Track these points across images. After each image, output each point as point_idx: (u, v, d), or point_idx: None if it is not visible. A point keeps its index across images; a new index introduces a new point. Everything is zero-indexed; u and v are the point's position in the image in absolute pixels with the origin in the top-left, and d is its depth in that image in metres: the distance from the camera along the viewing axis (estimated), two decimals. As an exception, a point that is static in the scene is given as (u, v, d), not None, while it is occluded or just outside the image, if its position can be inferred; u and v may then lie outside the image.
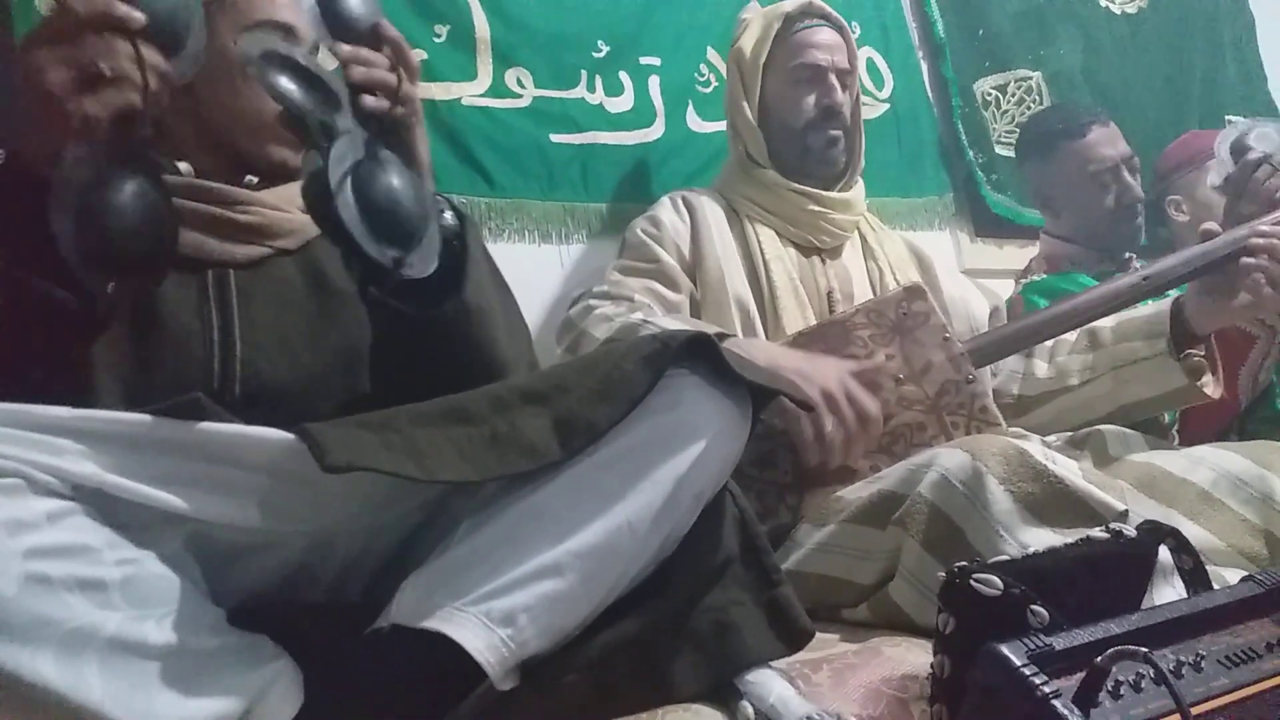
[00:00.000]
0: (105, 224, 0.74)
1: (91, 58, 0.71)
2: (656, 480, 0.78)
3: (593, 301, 1.36)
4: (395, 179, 0.83)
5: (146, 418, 0.72)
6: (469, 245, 0.89)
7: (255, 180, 0.98)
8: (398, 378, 0.89)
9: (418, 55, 1.53)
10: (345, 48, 0.83)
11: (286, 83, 0.82)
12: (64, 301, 0.76)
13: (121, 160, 0.75)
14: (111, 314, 0.79)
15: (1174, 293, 1.43)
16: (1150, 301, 1.44)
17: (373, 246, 0.81)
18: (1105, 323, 1.42)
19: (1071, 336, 1.45)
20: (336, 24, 0.85)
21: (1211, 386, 1.39)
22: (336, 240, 0.82)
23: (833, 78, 1.49)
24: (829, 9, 1.54)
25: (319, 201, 0.81)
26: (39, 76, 0.71)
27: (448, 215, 0.89)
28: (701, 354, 0.81)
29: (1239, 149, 1.54)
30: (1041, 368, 1.48)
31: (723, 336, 1.23)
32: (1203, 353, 1.40)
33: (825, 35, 1.51)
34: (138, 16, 0.73)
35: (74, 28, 0.72)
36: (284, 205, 0.96)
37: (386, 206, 0.81)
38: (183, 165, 0.94)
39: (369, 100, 0.83)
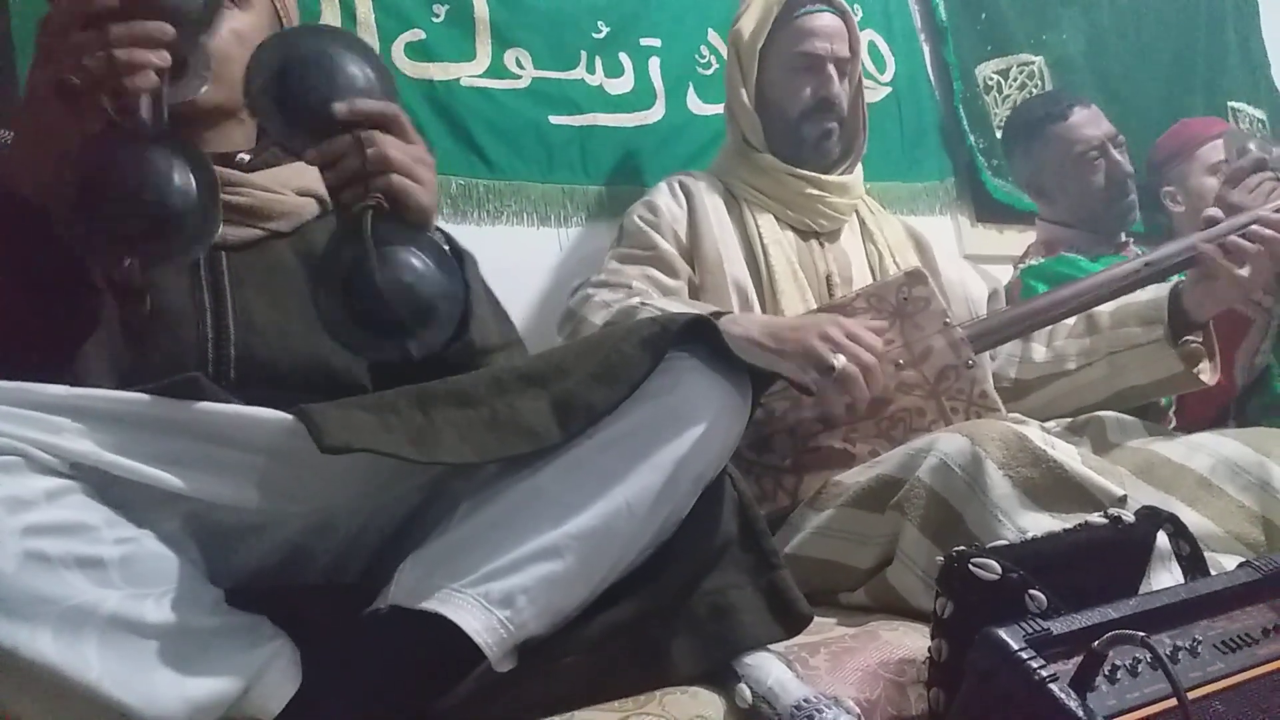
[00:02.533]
0: (108, 191, 0.73)
1: (68, 67, 0.70)
2: (656, 463, 0.78)
3: (590, 290, 1.36)
4: (399, 273, 0.79)
5: (145, 397, 0.72)
6: (469, 283, 0.88)
7: (247, 160, 0.97)
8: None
9: (415, 36, 1.54)
10: (310, 155, 0.80)
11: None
12: (55, 310, 0.76)
13: (123, 135, 0.74)
14: (131, 294, 0.77)
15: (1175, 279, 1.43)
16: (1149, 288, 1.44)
17: (375, 352, 0.80)
18: (1103, 308, 1.42)
19: (1070, 320, 1.45)
20: (297, 123, 0.80)
21: (1208, 373, 1.39)
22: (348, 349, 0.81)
23: (831, 68, 1.48)
24: (831, -8, 1.52)
25: (320, 311, 0.80)
26: (34, 106, 0.72)
27: (445, 250, 0.86)
28: (701, 337, 0.81)
29: (1241, 151, 1.55)
30: (1039, 351, 1.48)
31: (718, 314, 1.23)
32: (1200, 339, 1.40)
33: (826, 21, 1.49)
34: (105, 1, 0.71)
35: (53, 36, 0.72)
36: (277, 187, 0.95)
37: (385, 310, 0.78)
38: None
39: (345, 197, 0.80)
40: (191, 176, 0.76)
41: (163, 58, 0.74)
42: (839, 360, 1.16)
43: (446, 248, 0.87)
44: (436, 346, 0.82)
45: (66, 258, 0.76)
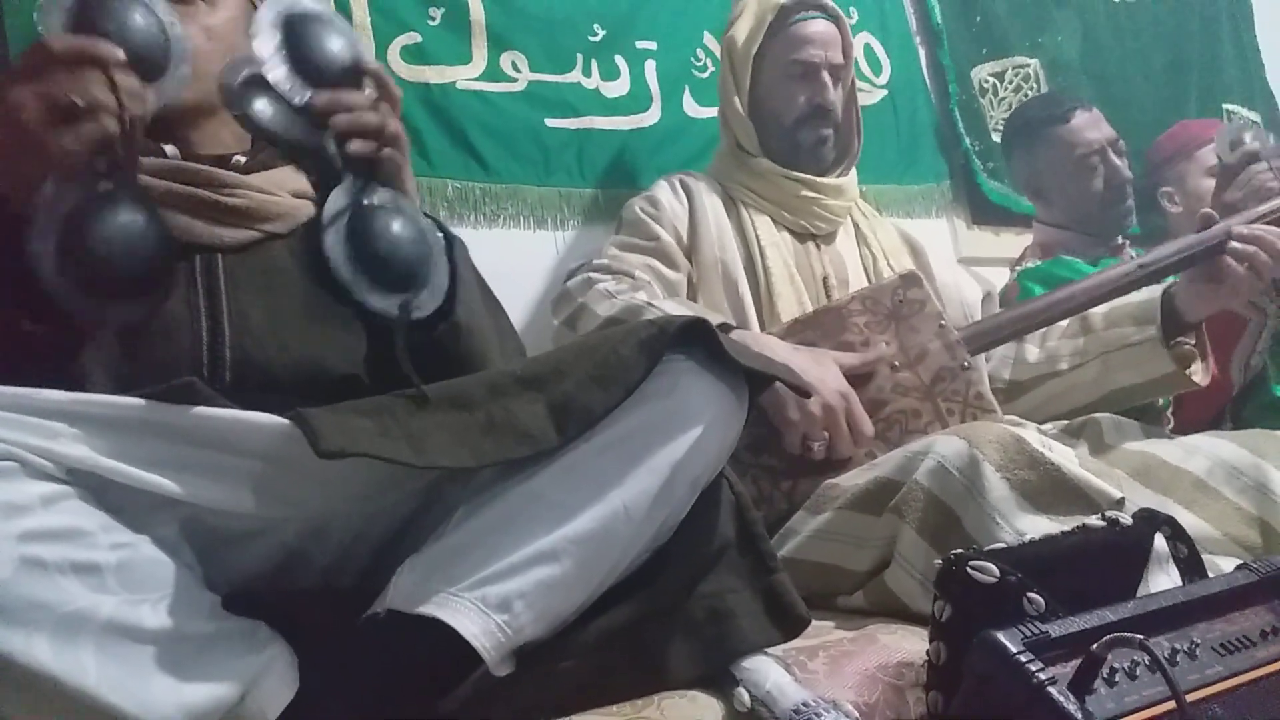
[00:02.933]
0: (90, 251, 0.74)
1: (65, 91, 0.72)
2: (653, 466, 0.78)
3: (594, 275, 1.35)
4: (394, 223, 0.82)
5: (141, 401, 0.72)
6: (457, 265, 0.89)
7: (242, 161, 0.97)
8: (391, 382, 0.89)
9: (411, 39, 1.54)
10: (323, 95, 0.82)
11: (267, 113, 0.82)
12: (37, 334, 0.76)
13: (103, 188, 0.75)
14: (105, 338, 0.78)
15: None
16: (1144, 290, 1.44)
17: (376, 299, 0.81)
18: (1097, 309, 1.43)
19: (1063, 321, 1.46)
20: (308, 69, 0.83)
21: (1200, 374, 1.39)
22: (340, 299, 0.82)
23: (825, 75, 1.48)
24: None
25: (315, 260, 0.81)
26: (15, 113, 0.72)
27: (437, 236, 0.89)
28: (698, 339, 0.81)
29: (1236, 144, 1.55)
30: (1033, 352, 1.48)
31: (727, 328, 1.23)
32: (1193, 341, 1.40)
33: (820, 28, 1.49)
34: (115, 52, 0.73)
35: (50, 64, 0.73)
36: (273, 188, 0.95)
37: (385, 254, 0.81)
38: (168, 148, 0.93)
39: (355, 145, 0.82)
40: (157, 230, 0.78)
41: (146, 117, 0.76)
42: (816, 447, 1.18)
43: (440, 234, 0.89)
44: (425, 308, 0.82)
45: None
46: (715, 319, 1.23)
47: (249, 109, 0.82)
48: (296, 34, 0.83)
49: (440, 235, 0.90)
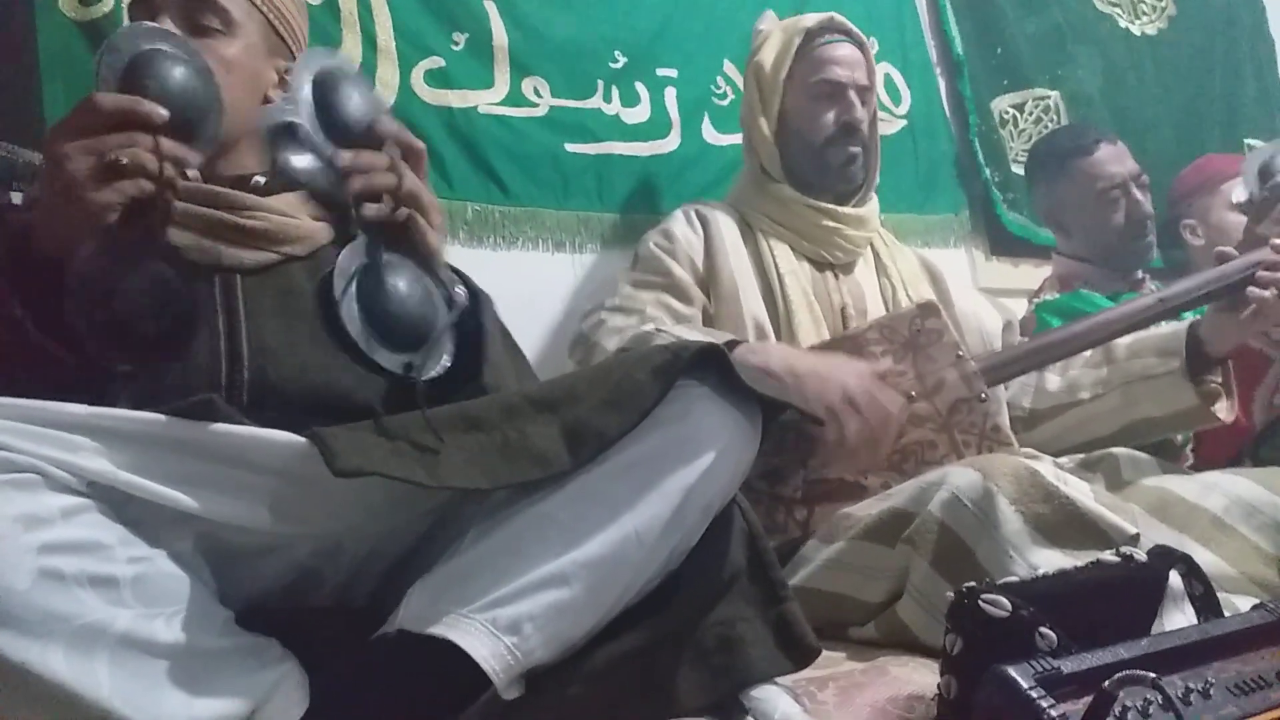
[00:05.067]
0: (119, 312, 0.76)
1: (111, 149, 0.74)
2: (665, 491, 0.78)
3: (604, 315, 1.36)
4: (401, 283, 0.84)
5: (161, 417, 0.73)
6: (485, 325, 0.90)
7: (262, 183, 0.98)
8: None
9: (435, 63, 1.56)
10: (345, 156, 0.83)
11: (297, 162, 0.85)
12: (69, 362, 0.78)
13: (137, 246, 0.78)
14: (129, 384, 0.80)
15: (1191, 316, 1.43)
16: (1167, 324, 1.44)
17: (384, 356, 0.83)
18: (1121, 340, 1.42)
19: (1085, 352, 1.45)
20: (334, 127, 0.85)
21: (1225, 411, 1.38)
22: (349, 353, 0.84)
23: (852, 94, 1.49)
24: (850, 25, 1.54)
25: (327, 312, 0.83)
26: (61, 166, 0.74)
27: (460, 291, 0.90)
28: (712, 365, 0.81)
29: (1266, 172, 1.53)
30: (1054, 381, 1.48)
31: (734, 344, 1.23)
32: (1219, 379, 1.39)
33: (846, 51, 1.51)
34: (161, 113, 0.76)
35: (99, 122, 0.75)
36: (292, 211, 0.96)
37: (392, 314, 0.83)
38: (190, 171, 0.95)
39: (369, 209, 0.83)
40: (183, 286, 0.81)
41: (188, 176, 0.80)
42: (850, 429, 1.16)
43: (463, 288, 0.90)
44: (428, 369, 0.83)
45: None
46: (723, 336, 1.24)
47: (280, 158, 0.84)
48: (324, 93, 0.86)
49: (465, 290, 0.91)
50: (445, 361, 0.86)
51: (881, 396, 1.18)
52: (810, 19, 1.53)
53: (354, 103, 0.85)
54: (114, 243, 0.76)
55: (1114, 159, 1.81)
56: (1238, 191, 1.78)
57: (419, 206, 0.85)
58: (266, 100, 1.02)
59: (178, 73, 0.79)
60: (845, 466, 1.20)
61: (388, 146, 0.85)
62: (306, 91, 0.85)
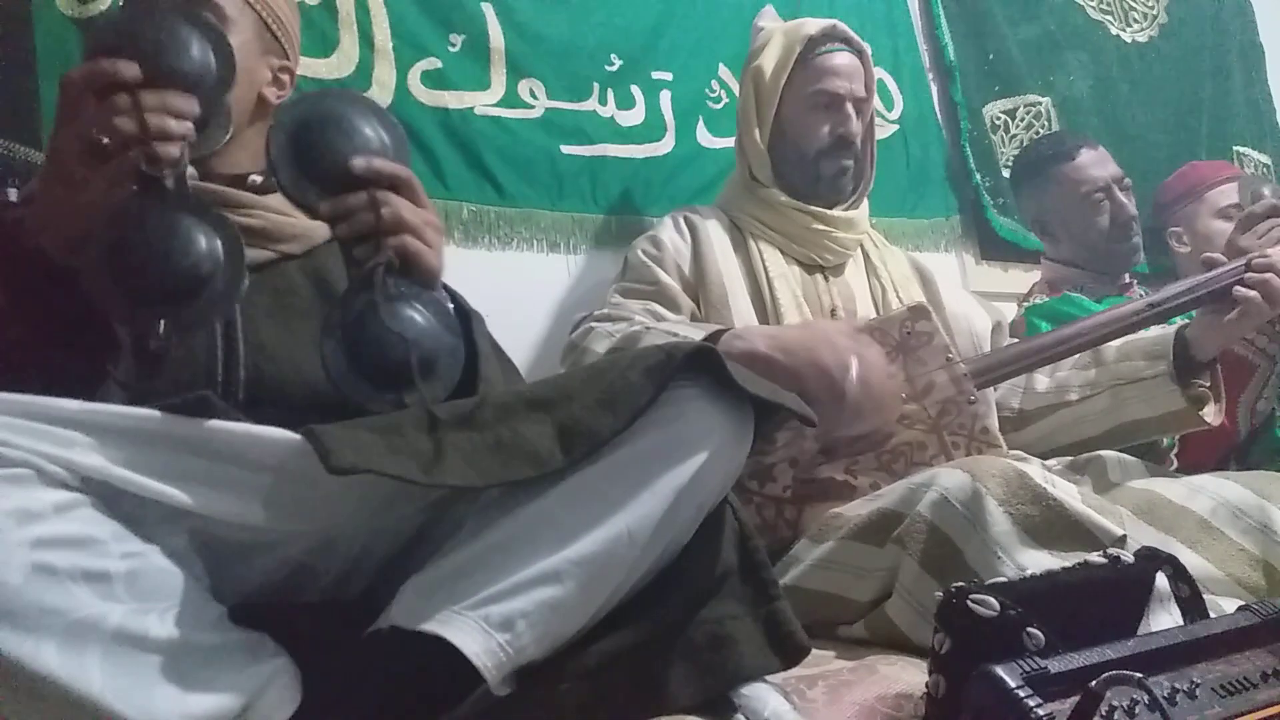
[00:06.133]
0: (138, 258, 0.75)
1: (90, 129, 0.72)
2: (657, 491, 0.78)
3: (593, 324, 1.37)
4: (401, 324, 0.82)
5: (156, 413, 0.73)
6: (477, 343, 0.90)
7: (258, 181, 0.98)
8: None
9: (431, 64, 1.57)
10: (323, 209, 0.83)
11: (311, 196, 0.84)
12: (68, 366, 0.78)
13: (151, 201, 0.76)
14: (165, 355, 0.78)
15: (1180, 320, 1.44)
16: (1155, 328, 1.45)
17: (375, 403, 0.82)
18: (1110, 343, 1.43)
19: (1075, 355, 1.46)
20: (316, 178, 0.84)
21: (1213, 414, 1.39)
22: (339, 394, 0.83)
23: (849, 106, 1.49)
24: (851, 33, 1.54)
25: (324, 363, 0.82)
26: (56, 158, 0.73)
27: (450, 309, 0.89)
28: (705, 366, 0.82)
29: (1256, 196, 1.56)
30: (1043, 382, 1.49)
31: (720, 332, 1.23)
32: (1207, 383, 1.40)
33: (845, 60, 1.51)
34: (129, 67, 0.74)
35: (77, 98, 0.74)
36: (289, 210, 0.97)
37: (386, 359, 0.82)
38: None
39: (358, 252, 0.83)
40: (218, 240, 0.79)
41: (187, 128, 0.76)
42: (852, 372, 1.15)
43: (452, 306, 0.89)
44: (438, 401, 0.83)
45: (89, 312, 0.77)
46: (708, 327, 1.24)
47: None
48: (300, 146, 0.84)
49: (455, 308, 0.90)
50: (445, 392, 0.86)
51: (868, 347, 1.19)
52: (813, 26, 1.52)
53: (328, 151, 0.83)
54: (128, 203, 0.75)
55: (1096, 163, 1.83)
56: (1225, 197, 1.80)
57: (407, 232, 0.83)
58: (261, 99, 1.02)
59: (164, 25, 0.78)
60: (852, 424, 1.18)
61: (369, 183, 0.83)
62: (278, 154, 0.84)
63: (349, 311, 0.82)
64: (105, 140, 0.72)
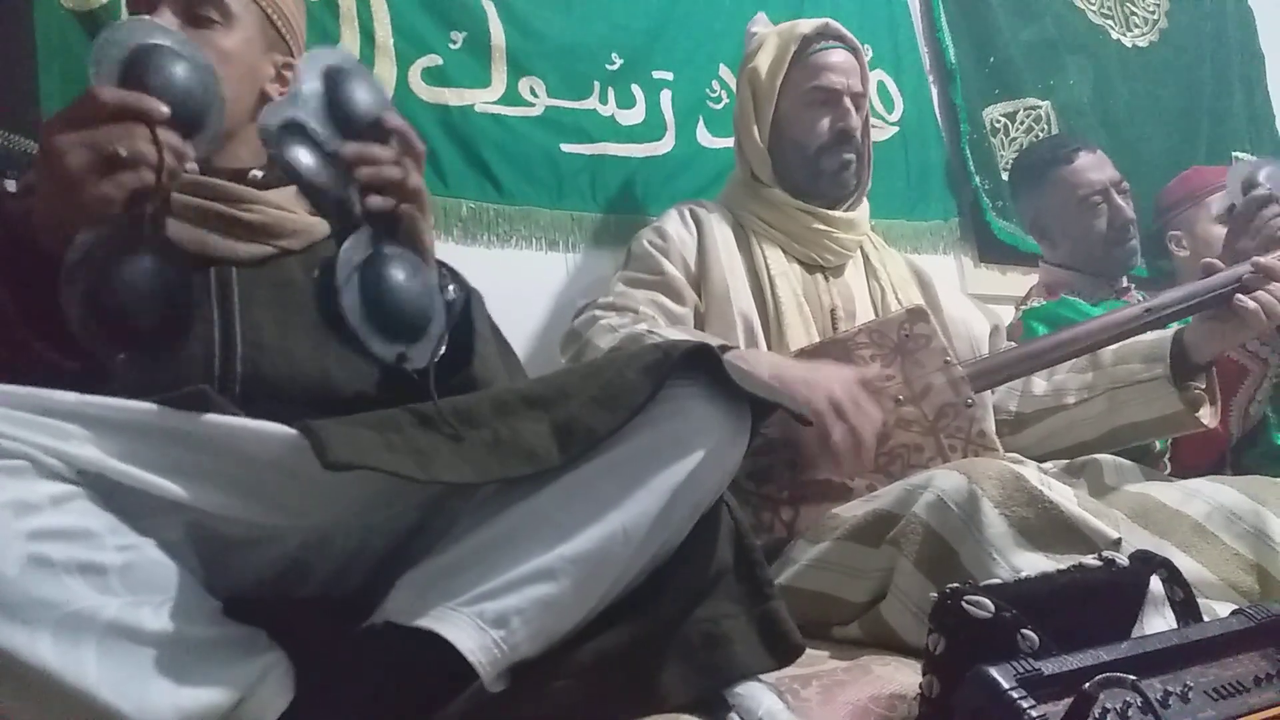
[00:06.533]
0: (116, 301, 0.75)
1: (111, 142, 0.73)
2: (653, 489, 0.78)
3: (597, 312, 1.37)
4: (402, 275, 0.84)
5: (153, 406, 0.73)
6: (475, 322, 0.91)
7: (259, 176, 0.98)
8: None
9: (432, 61, 1.57)
10: (351, 146, 0.84)
11: (303, 158, 0.84)
12: (61, 364, 0.78)
13: (134, 237, 0.77)
14: (122, 379, 0.79)
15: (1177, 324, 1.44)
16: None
17: (378, 345, 0.83)
18: (1107, 346, 1.43)
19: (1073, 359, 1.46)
20: (341, 119, 0.85)
21: (1209, 416, 1.39)
22: (343, 339, 0.83)
23: (847, 101, 1.50)
24: (845, 31, 1.54)
25: (326, 299, 0.83)
26: (60, 159, 0.73)
27: (452, 289, 0.90)
28: (703, 365, 0.82)
29: (1249, 184, 1.55)
30: (1040, 385, 1.49)
31: (725, 349, 1.24)
32: (1203, 385, 1.40)
33: (840, 57, 1.51)
34: (163, 109, 0.75)
35: (99, 115, 0.74)
36: (289, 205, 0.97)
37: (391, 304, 0.83)
38: (188, 164, 0.95)
39: (375, 200, 0.84)
40: (177, 280, 0.80)
41: (186, 169, 0.78)
42: (836, 434, 1.16)
43: (452, 286, 0.90)
44: (419, 360, 0.84)
45: None
46: (714, 341, 1.25)
47: (285, 153, 0.84)
48: (334, 86, 0.86)
49: (457, 286, 0.91)
50: (432, 356, 0.86)
51: (866, 403, 1.19)
52: (806, 25, 1.54)
53: (361, 96, 0.86)
54: (111, 234, 0.76)
55: (1094, 166, 1.83)
56: (1218, 204, 1.80)
57: (420, 203, 0.86)
58: (264, 95, 1.02)
59: (179, 69, 0.79)
60: (830, 470, 1.20)
61: (394, 141, 0.85)
62: (314, 85, 0.85)
63: (359, 253, 0.84)
64: (124, 153, 0.73)
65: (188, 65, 0.80)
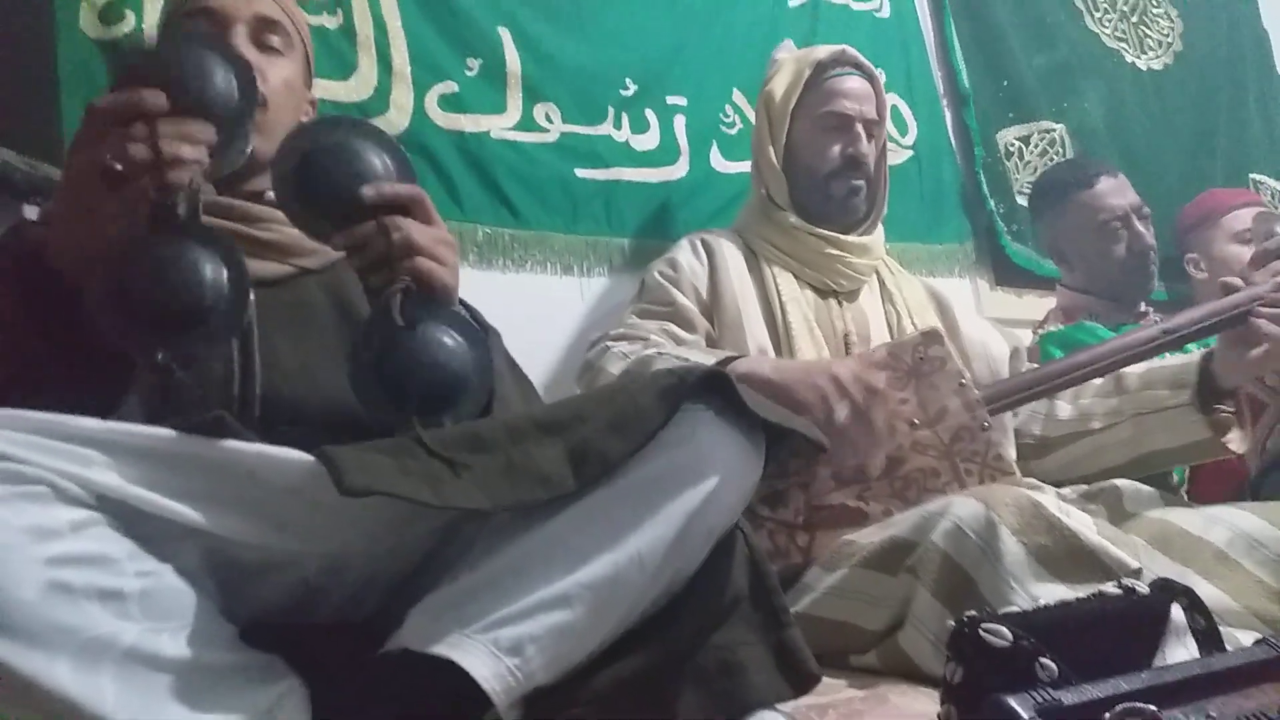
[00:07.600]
0: (143, 287, 0.75)
1: (106, 156, 0.73)
2: (668, 515, 0.78)
3: (609, 344, 1.38)
4: (427, 349, 0.82)
5: (171, 433, 0.73)
6: (495, 362, 0.90)
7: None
8: None
9: (449, 88, 1.58)
10: (337, 241, 0.83)
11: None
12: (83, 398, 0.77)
13: (169, 228, 0.77)
14: (167, 382, 0.79)
15: (1195, 347, 1.43)
16: (1173, 355, 1.44)
17: (409, 425, 0.81)
18: (1133, 370, 1.42)
19: (1097, 380, 1.45)
20: (327, 209, 0.84)
21: (1237, 442, 1.37)
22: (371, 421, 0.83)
23: (859, 127, 1.51)
24: (861, 58, 1.56)
25: (361, 387, 0.83)
26: (71, 181, 0.74)
27: (471, 321, 0.89)
28: (717, 390, 0.82)
29: (1269, 234, 1.55)
30: (1065, 409, 1.48)
31: (730, 359, 1.24)
32: (1231, 409, 1.39)
33: (855, 84, 1.52)
34: (156, 100, 0.75)
35: (100, 126, 0.74)
36: None
37: (420, 385, 0.82)
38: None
39: (373, 281, 0.83)
40: (224, 270, 0.79)
41: (202, 154, 0.77)
42: (840, 412, 1.15)
43: (475, 324, 0.89)
44: (473, 416, 0.83)
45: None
46: (721, 352, 1.25)
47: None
48: (302, 182, 0.84)
49: (475, 326, 0.90)
50: (479, 403, 0.86)
51: (871, 378, 1.18)
52: (822, 51, 1.55)
53: (334, 183, 0.83)
54: (146, 231, 0.76)
55: (1115, 191, 1.82)
56: (1238, 222, 1.79)
57: (419, 254, 0.83)
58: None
59: (191, 52, 0.79)
60: (848, 454, 1.19)
61: (378, 210, 0.83)
62: (285, 191, 0.85)
63: (372, 344, 0.82)
64: (119, 166, 0.73)
65: (199, 49, 0.80)
